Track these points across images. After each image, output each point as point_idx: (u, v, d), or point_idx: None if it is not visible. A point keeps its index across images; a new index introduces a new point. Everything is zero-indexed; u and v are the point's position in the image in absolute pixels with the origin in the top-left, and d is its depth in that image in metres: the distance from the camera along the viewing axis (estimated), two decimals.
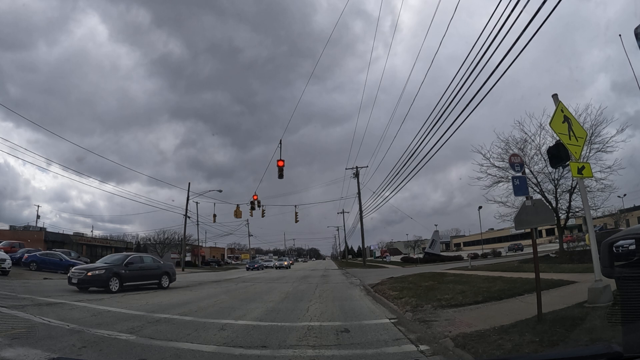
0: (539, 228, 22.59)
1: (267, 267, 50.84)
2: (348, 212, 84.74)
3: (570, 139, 7.13)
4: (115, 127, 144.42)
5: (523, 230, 8.32)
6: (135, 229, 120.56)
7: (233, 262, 78.02)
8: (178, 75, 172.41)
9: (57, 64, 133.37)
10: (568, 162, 7.40)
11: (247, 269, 45.16)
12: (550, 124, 7.46)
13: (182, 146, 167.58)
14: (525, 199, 6.65)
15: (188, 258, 51.38)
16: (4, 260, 18.94)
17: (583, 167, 7.19)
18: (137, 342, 5.74)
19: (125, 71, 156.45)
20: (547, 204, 18.71)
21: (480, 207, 53.75)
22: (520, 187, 7.25)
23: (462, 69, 11.24)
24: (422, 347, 5.36)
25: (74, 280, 13.80)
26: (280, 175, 19.63)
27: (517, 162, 7.73)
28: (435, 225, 73.68)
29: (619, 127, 18.99)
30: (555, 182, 20.49)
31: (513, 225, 8.01)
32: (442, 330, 5.94)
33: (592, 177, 15.29)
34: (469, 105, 11.38)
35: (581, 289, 7.59)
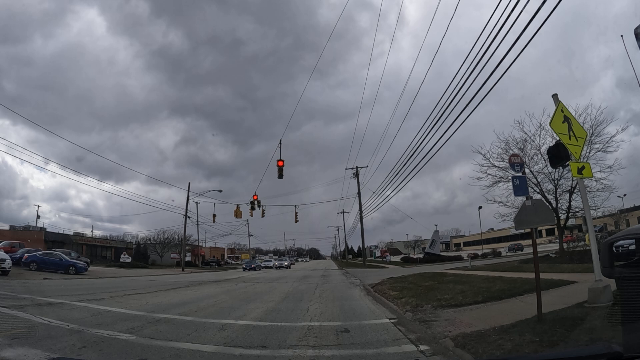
0: (539, 228, 22.59)
1: (265, 267, 50.00)
2: (348, 212, 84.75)
3: (570, 139, 7.14)
4: (113, 125, 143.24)
5: (523, 230, 8.34)
6: (135, 229, 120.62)
7: (233, 262, 77.95)
8: (178, 68, 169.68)
9: (54, 59, 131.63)
10: (568, 162, 7.41)
11: (244, 269, 43.66)
12: (550, 124, 7.47)
13: (181, 143, 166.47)
14: (525, 199, 6.65)
15: (188, 258, 51.30)
16: (4, 260, 18.94)
17: (583, 167, 7.19)
18: (137, 342, 5.74)
19: (123, 65, 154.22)
20: (547, 204, 18.73)
21: (480, 207, 53.89)
22: (520, 187, 7.25)
23: (465, 65, 11.15)
24: (422, 347, 5.36)
25: None
26: (280, 175, 19.65)
27: (517, 162, 7.73)
28: (436, 225, 73.74)
29: (620, 127, 19.07)
30: (555, 182, 20.53)
31: (513, 225, 8.01)
32: (442, 330, 5.95)
33: (592, 177, 15.29)
34: (472, 102, 11.31)
35: (581, 289, 7.59)
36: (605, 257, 4.55)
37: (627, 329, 3.62)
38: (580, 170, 7.11)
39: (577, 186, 18.80)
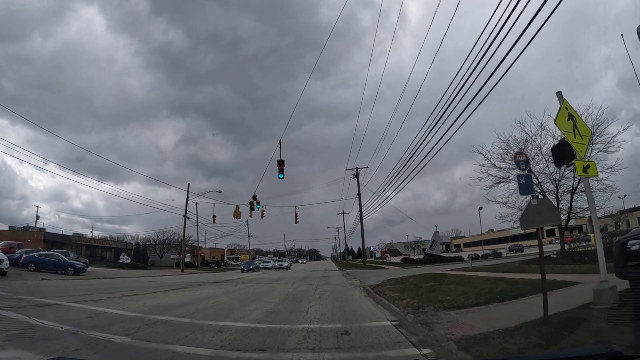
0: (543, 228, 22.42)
1: (264, 268, 49.88)
2: (348, 213, 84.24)
3: (575, 137, 7.01)
4: (113, 124, 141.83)
5: (524, 231, 8.18)
6: (134, 230, 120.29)
7: (233, 263, 77.82)
8: (178, 67, 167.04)
9: (53, 58, 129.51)
10: (573, 161, 7.28)
11: (242, 270, 43.65)
12: (555, 121, 7.33)
13: (181, 143, 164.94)
14: (530, 198, 6.52)
15: (187, 259, 51.13)
16: (2, 260, 18.87)
17: (588, 166, 7.06)
18: (131, 345, 5.61)
19: (123, 64, 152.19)
20: None
21: (480, 208, 53.84)
22: (525, 185, 7.07)
23: (466, 65, 10.97)
24: (425, 351, 5.22)
25: None
26: (281, 175, 19.54)
27: (522, 160, 7.55)
28: (436, 226, 73.78)
29: (621, 127, 18.95)
30: (557, 182, 20.38)
31: (513, 226, 7.88)
32: (444, 333, 5.80)
33: (597, 175, 15.15)
34: (473, 101, 11.14)
35: (585, 290, 7.48)
36: (619, 257, 4.40)
37: (638, 329, 3.49)
38: (585, 169, 6.99)
39: (579, 186, 18.72)
